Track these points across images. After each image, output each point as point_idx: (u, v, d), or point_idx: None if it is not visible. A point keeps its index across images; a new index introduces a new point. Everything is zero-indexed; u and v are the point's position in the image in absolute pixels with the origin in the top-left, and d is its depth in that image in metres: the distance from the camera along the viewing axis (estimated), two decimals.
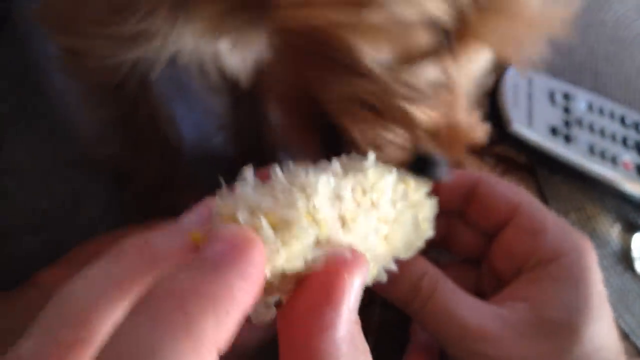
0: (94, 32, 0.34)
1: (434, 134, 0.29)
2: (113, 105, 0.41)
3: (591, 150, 0.48)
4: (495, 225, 0.36)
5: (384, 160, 0.27)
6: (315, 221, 0.19)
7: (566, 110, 0.49)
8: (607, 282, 0.48)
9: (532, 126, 0.47)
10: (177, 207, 0.22)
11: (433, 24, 0.28)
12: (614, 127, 0.50)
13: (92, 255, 0.19)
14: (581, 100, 0.50)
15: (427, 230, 0.31)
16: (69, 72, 0.41)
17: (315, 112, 0.30)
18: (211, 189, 0.21)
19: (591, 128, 0.49)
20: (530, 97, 0.48)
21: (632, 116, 0.51)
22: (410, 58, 0.29)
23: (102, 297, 0.18)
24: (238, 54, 0.37)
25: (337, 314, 0.18)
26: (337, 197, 0.21)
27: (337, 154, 0.26)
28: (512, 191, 0.36)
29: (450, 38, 0.29)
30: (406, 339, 0.38)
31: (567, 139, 0.48)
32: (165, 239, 0.19)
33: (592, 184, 0.50)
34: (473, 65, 0.31)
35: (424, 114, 0.29)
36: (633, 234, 0.50)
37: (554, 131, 0.48)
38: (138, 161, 0.44)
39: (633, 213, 0.51)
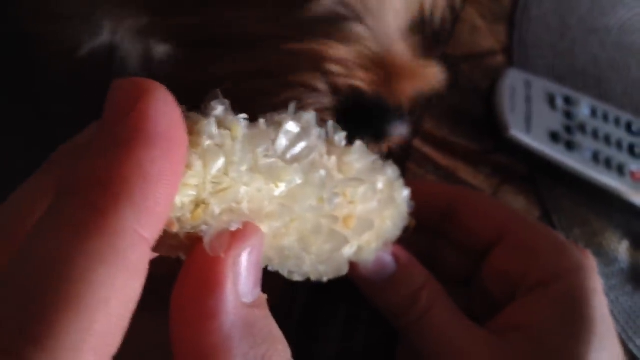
0: (47, 12, 0.33)
1: (363, 72, 0.26)
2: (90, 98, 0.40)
3: (595, 158, 0.45)
4: (483, 246, 0.33)
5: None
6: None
7: (568, 115, 0.46)
8: (616, 303, 0.45)
9: (530, 132, 0.44)
10: None
11: None
12: (620, 134, 0.47)
13: None
14: (584, 105, 0.47)
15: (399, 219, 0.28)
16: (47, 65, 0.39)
17: None
18: None
19: (595, 135, 0.46)
20: (528, 100, 0.45)
21: (639, 123, 0.48)
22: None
23: (28, 211, 0.15)
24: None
25: (218, 301, 0.15)
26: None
27: None
28: (498, 209, 0.34)
29: None
30: None
31: (569, 145, 0.44)
32: None
33: (598, 196, 0.46)
34: None
35: (332, 49, 0.25)
36: None
37: (554, 137, 0.44)
38: None
39: None
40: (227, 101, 0.17)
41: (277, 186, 0.17)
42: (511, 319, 0.30)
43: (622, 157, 0.46)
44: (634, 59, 0.56)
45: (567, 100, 0.46)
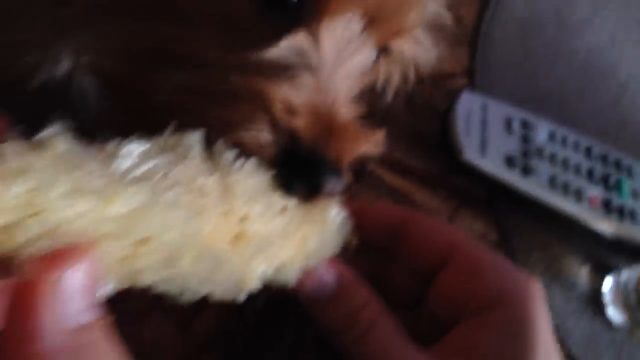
0: None
1: (305, 119, 0.25)
2: None
3: (552, 182, 0.45)
4: (431, 268, 0.33)
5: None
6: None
7: (525, 139, 0.46)
8: (575, 328, 0.44)
9: (485, 156, 0.44)
10: None
11: None
12: (578, 158, 0.47)
13: None
14: (541, 129, 0.47)
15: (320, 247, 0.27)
16: None
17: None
18: None
19: (552, 159, 0.46)
20: (484, 124, 0.45)
21: (599, 148, 0.48)
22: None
23: None
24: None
25: (35, 325, 0.15)
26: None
27: None
28: (446, 230, 0.33)
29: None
30: None
31: (525, 170, 0.44)
32: None
33: (557, 220, 0.46)
34: (339, 35, 0.28)
35: (278, 89, 0.25)
36: (604, 276, 0.46)
37: (510, 161, 0.44)
38: None
39: (604, 253, 0.47)
40: (66, 122, 0.17)
41: (111, 206, 0.17)
42: (454, 343, 0.30)
43: (580, 182, 0.46)
44: (599, 84, 0.56)
45: (524, 124, 0.46)
